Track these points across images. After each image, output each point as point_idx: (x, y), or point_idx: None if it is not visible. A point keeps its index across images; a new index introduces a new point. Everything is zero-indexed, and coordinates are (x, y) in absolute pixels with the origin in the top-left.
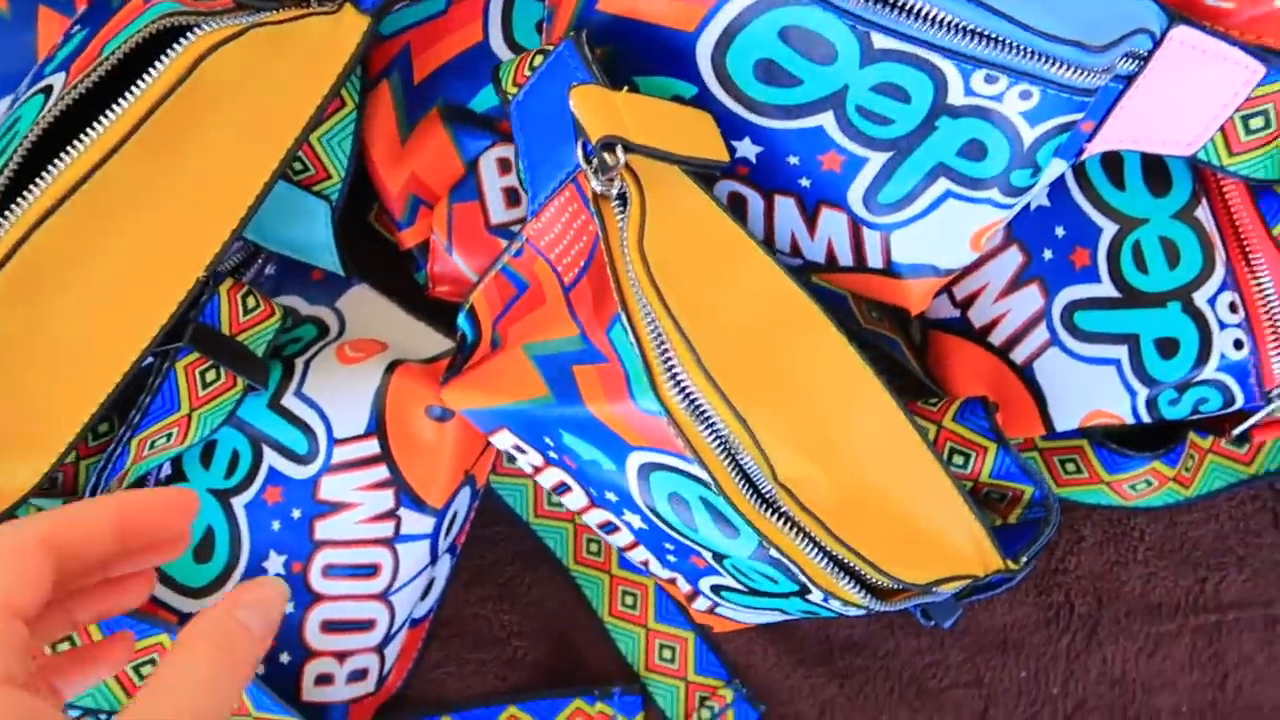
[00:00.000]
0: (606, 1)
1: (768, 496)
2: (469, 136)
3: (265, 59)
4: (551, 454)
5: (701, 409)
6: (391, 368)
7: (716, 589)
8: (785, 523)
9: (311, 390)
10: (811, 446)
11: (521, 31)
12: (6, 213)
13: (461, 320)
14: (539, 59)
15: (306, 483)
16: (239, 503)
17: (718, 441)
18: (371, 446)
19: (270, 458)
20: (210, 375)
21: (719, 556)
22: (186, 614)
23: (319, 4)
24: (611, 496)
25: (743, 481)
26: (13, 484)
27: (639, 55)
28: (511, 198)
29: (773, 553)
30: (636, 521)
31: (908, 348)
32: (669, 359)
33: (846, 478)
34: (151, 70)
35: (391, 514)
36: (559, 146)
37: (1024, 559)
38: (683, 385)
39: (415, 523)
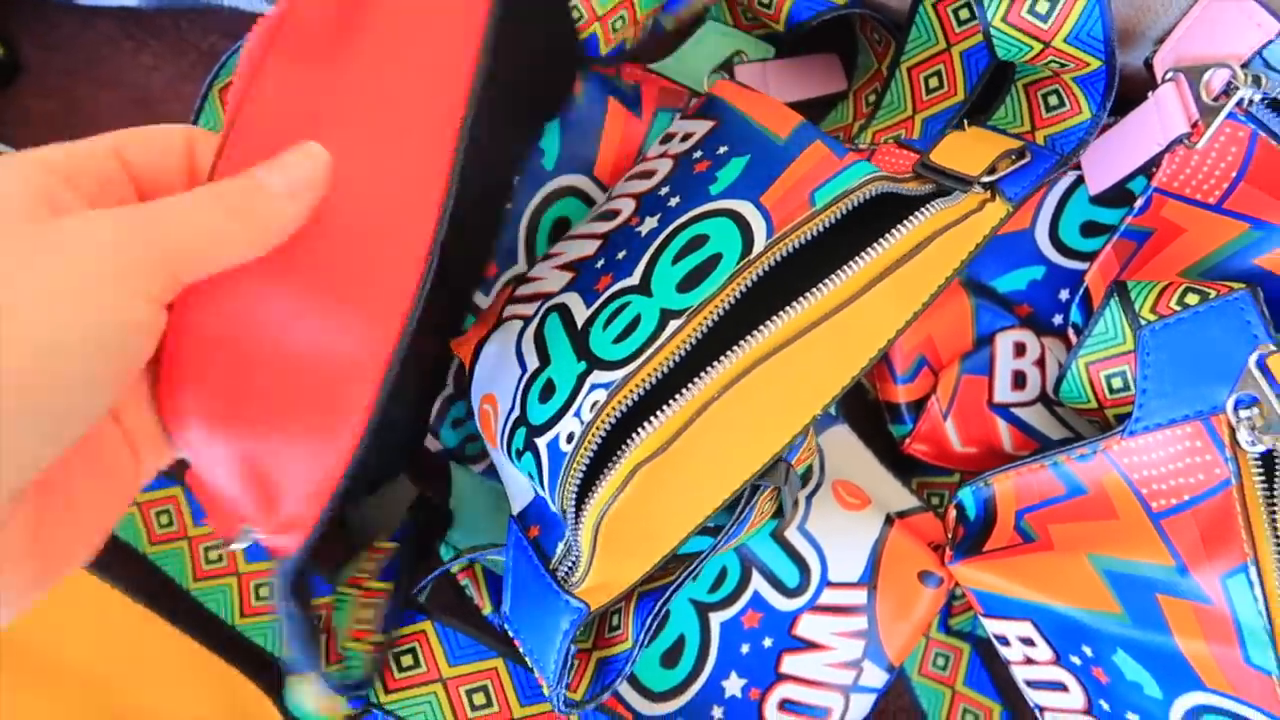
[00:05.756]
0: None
1: None
2: (989, 312)
3: (935, 238)
4: (1074, 659)
5: None
6: (889, 521)
7: None
8: None
9: (814, 528)
10: None
11: (1067, 229)
12: (739, 345)
13: (968, 495)
14: (1192, 296)
15: (787, 615)
16: (716, 619)
17: None
18: (859, 596)
19: (758, 583)
20: (768, 505)
21: None
22: (645, 715)
23: (980, 188)
24: (1132, 717)
25: None
26: (622, 579)
27: None
28: (1018, 381)
29: None
30: None
31: None
32: None
33: None
34: (888, 238)
35: (856, 664)
36: (1198, 384)
37: None
38: None
39: (873, 676)
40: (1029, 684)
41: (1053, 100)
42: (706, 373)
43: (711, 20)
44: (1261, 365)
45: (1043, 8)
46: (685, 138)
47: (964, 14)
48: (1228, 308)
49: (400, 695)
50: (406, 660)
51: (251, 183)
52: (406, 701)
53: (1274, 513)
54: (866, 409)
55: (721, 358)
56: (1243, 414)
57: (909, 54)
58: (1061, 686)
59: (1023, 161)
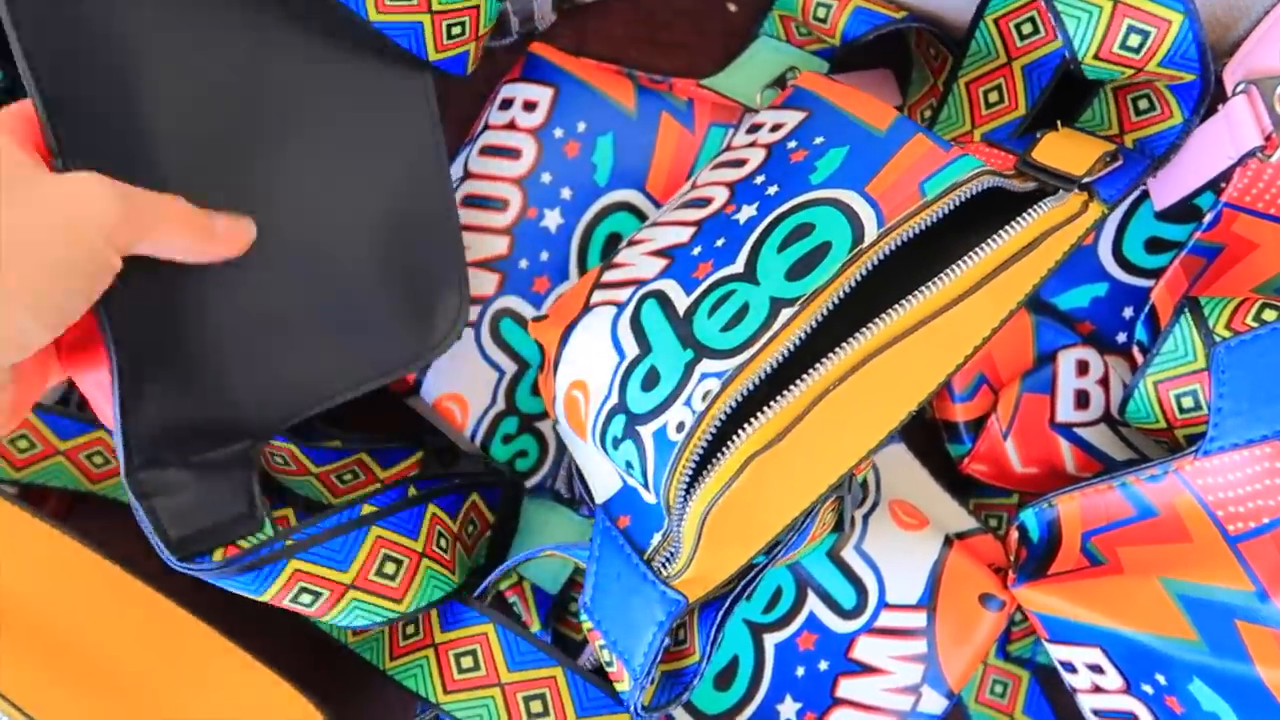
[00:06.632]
0: None
1: None
2: (1050, 330)
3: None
4: (1145, 688)
5: None
6: (948, 542)
7: None
8: None
9: (871, 548)
10: None
11: (1131, 245)
12: (860, 334)
13: (1031, 516)
14: (1270, 312)
15: (843, 638)
16: (771, 640)
17: None
18: (919, 619)
19: (813, 604)
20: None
21: None
22: None
23: (1079, 189)
24: None
25: None
26: (720, 571)
27: None
28: (1081, 400)
29: None
30: None
31: None
32: None
33: None
34: (1004, 233)
35: (914, 689)
36: (1276, 402)
37: None
38: None
39: (932, 702)
40: (1096, 713)
41: (1143, 104)
42: (825, 361)
43: (765, 36)
44: None
45: (1135, 41)
46: (775, 128)
47: (1026, 29)
48: None
49: (458, 697)
50: (466, 662)
51: (205, 219)
52: (464, 703)
53: None
54: (923, 428)
55: (842, 346)
56: None
57: (967, 69)
58: (1132, 717)
59: (1116, 164)
